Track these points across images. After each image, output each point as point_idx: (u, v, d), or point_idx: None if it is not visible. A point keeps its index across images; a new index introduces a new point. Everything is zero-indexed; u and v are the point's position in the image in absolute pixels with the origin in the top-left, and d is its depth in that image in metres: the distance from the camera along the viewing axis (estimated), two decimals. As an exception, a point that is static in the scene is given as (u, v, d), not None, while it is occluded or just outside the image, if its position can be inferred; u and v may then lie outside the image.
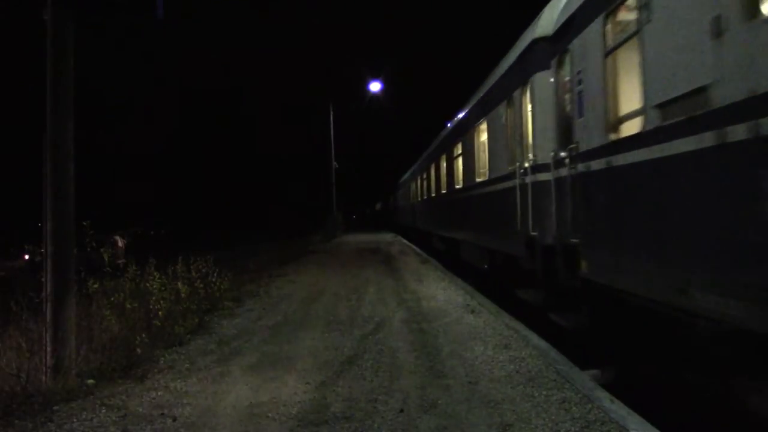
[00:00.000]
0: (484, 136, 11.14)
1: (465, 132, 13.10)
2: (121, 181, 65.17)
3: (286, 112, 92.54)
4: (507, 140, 8.84)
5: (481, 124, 11.22)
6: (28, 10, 6.03)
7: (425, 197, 23.53)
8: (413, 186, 30.13)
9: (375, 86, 33.59)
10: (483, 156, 11.18)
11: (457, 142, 14.37)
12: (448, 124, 16.79)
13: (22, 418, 4.30)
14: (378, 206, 77.15)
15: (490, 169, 10.25)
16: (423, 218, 25.01)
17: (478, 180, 11.37)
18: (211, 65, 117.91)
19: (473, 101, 12.35)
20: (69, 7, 5.47)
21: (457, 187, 14.35)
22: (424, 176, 23.81)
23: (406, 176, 36.85)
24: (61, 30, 5.42)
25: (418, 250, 22.27)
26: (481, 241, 11.17)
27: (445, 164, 16.89)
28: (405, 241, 29.67)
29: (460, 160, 14.15)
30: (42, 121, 5.36)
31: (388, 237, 35.01)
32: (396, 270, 14.49)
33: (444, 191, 17.04)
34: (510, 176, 8.46)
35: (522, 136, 7.98)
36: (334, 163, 36.07)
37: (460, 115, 14.33)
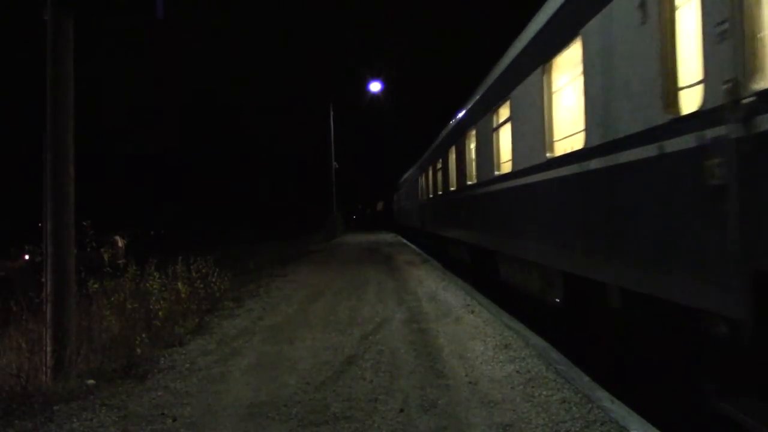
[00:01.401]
0: (565, 78, 6.78)
1: (518, 83, 8.16)
2: (123, 181, 65.46)
3: (286, 112, 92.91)
4: (663, 54, 4.13)
5: (557, 57, 6.60)
6: (28, 10, 6.04)
7: (440, 192, 18.23)
8: (422, 181, 24.76)
9: (375, 86, 33.70)
10: (562, 115, 6.81)
11: (499, 107, 9.68)
12: (482, 86, 11.48)
13: (22, 418, 4.30)
14: (379, 206, 77.01)
15: (588, 130, 5.56)
16: (436, 219, 19.50)
17: (549, 156, 6.78)
18: (212, 65, 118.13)
19: (536, 25, 7.25)
20: (69, 7, 5.48)
21: (498, 173, 9.76)
22: (438, 166, 18.49)
23: (411, 171, 31.97)
24: (61, 30, 5.43)
25: (418, 250, 22.33)
26: (548, 260, 6.97)
27: (474, 145, 12.29)
28: (405, 241, 29.75)
29: (503, 133, 9.45)
30: (42, 121, 5.37)
31: (388, 237, 35.08)
32: (396, 270, 14.49)
33: (472, 182, 12.37)
34: (677, 129, 3.88)
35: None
36: (334, 163, 36.11)
37: (506, 62, 9.14)
